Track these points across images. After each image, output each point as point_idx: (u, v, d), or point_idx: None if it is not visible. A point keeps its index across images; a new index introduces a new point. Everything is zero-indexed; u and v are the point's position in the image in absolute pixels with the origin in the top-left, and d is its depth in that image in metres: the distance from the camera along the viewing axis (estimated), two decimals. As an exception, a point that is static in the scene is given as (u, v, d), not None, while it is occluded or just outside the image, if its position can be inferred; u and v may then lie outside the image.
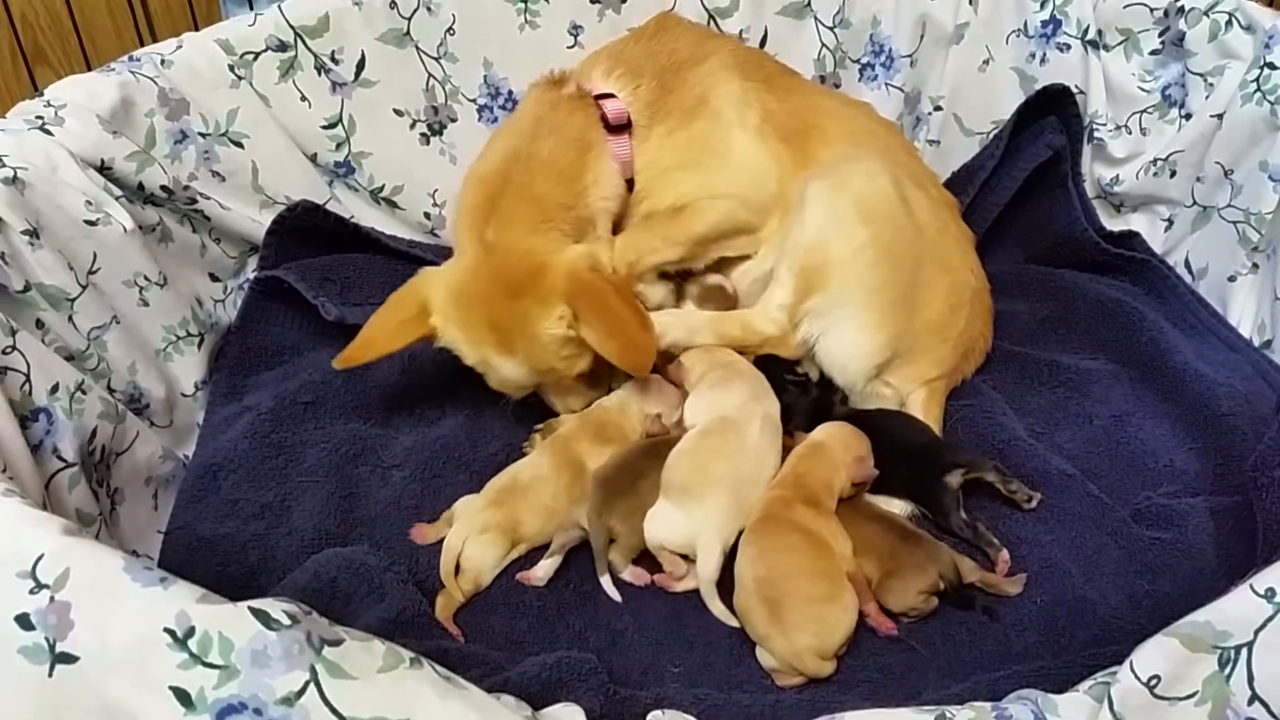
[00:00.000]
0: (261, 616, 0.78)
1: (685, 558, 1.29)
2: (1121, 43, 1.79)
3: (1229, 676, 0.84)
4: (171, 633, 0.76)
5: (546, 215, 1.47)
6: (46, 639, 0.76)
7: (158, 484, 1.43)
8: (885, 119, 1.85)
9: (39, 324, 1.34)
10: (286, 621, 0.78)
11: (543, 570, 1.31)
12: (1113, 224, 1.89)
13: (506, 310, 1.42)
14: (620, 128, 1.57)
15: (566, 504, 1.37)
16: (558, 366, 1.45)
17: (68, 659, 0.76)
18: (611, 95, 1.59)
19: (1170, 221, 1.81)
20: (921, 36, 1.94)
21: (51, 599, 0.77)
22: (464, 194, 1.53)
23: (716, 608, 1.25)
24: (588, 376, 1.50)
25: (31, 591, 0.77)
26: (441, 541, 1.34)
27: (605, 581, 1.30)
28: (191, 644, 0.76)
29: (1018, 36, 1.88)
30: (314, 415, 1.55)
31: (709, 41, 1.71)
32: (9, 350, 1.20)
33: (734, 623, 1.24)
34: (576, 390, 1.53)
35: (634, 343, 1.39)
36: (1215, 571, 1.29)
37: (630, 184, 1.59)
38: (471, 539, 1.32)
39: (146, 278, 1.51)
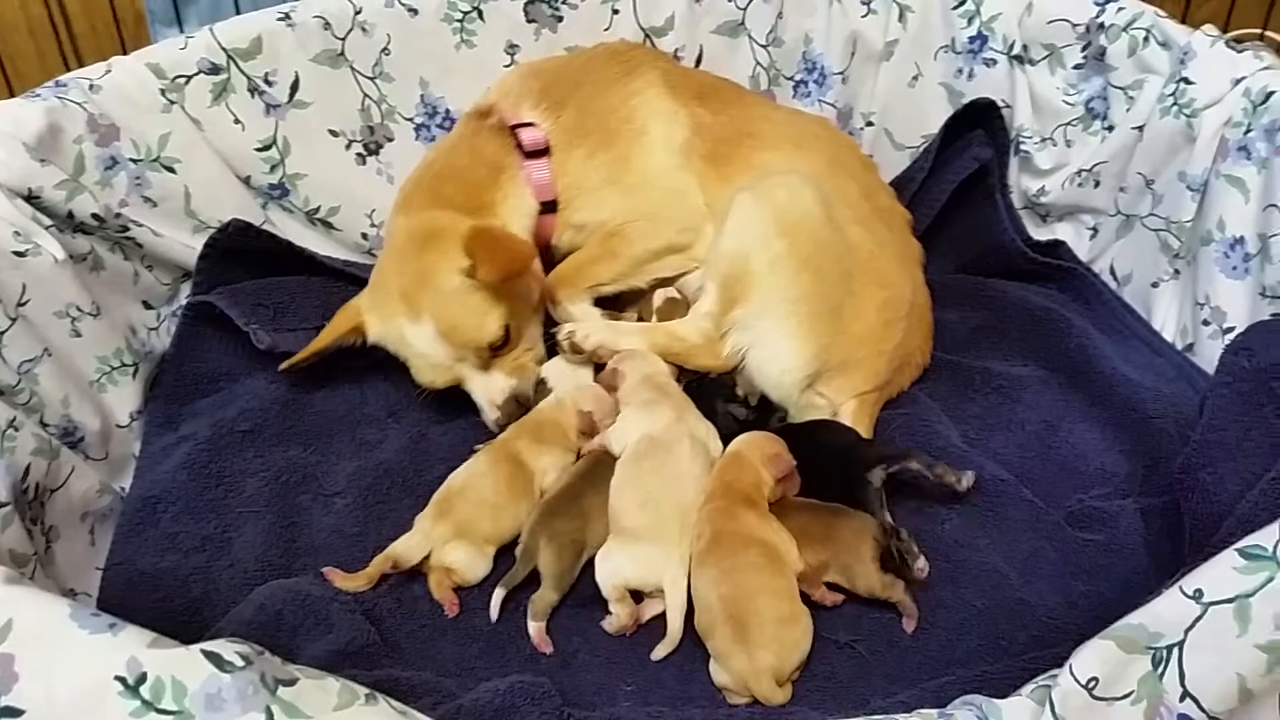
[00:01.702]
0: (214, 659, 0.77)
1: (636, 596, 1.30)
2: (1045, 58, 1.84)
3: (1162, 675, 0.87)
4: (123, 680, 0.75)
5: (450, 206, 1.58)
6: (-10, 693, 0.74)
7: (94, 519, 1.40)
8: (841, 133, 1.90)
9: (-33, 360, 1.31)
10: (240, 663, 0.78)
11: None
12: (1039, 233, 1.94)
13: (412, 270, 1.52)
14: (538, 153, 1.65)
15: (509, 498, 1.39)
16: (465, 326, 1.50)
17: (12, 713, 0.74)
18: (531, 124, 1.67)
19: (1095, 230, 1.87)
20: (852, 54, 1.97)
21: (-6, 651, 0.75)
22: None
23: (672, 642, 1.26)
24: (505, 356, 1.55)
25: (-28, 645, 0.76)
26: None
27: (497, 596, 1.30)
28: (144, 690, 0.75)
29: (945, 53, 1.93)
30: (253, 444, 1.54)
31: (637, 65, 1.76)
32: (-63, 390, 1.17)
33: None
34: (495, 373, 1.55)
35: (518, 258, 1.48)
36: (1146, 571, 1.33)
37: (552, 205, 1.67)
38: (443, 548, 1.33)
39: (79, 308, 1.48)
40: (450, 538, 1.34)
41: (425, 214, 1.58)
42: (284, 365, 1.58)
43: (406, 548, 1.35)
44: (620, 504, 1.32)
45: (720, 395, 1.53)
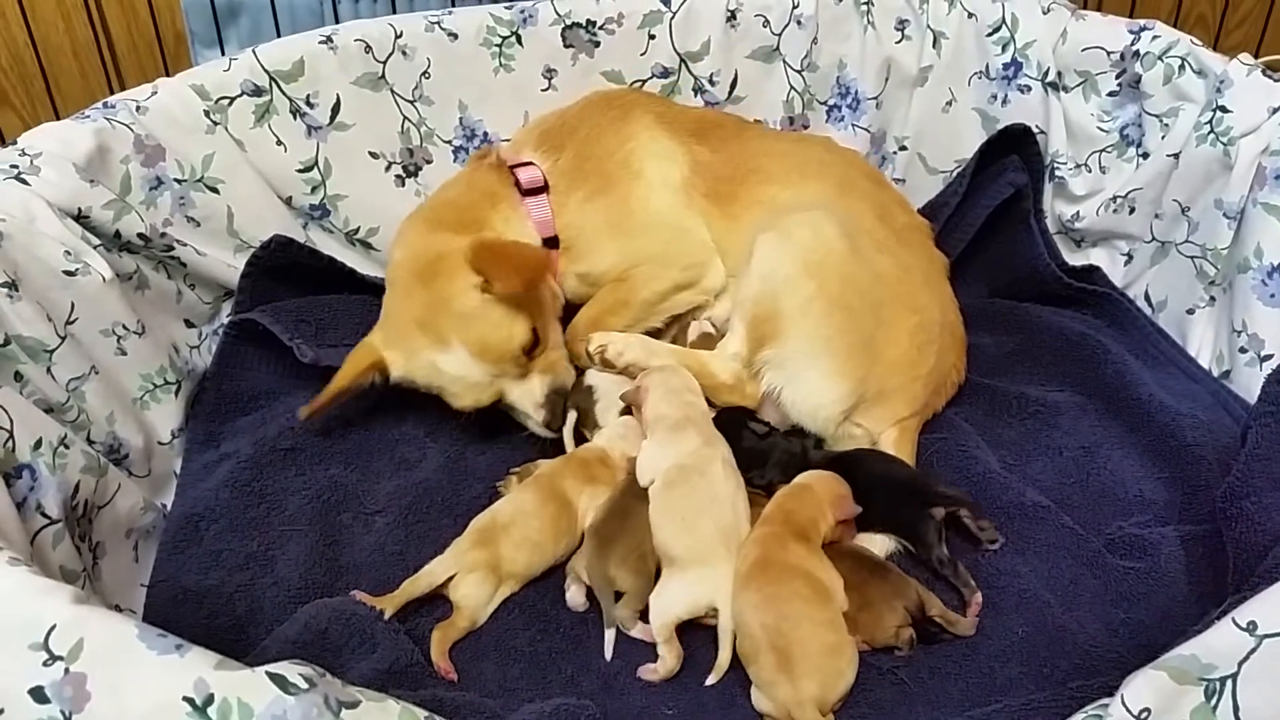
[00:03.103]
0: (279, 681, 0.78)
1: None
2: (1080, 84, 1.85)
3: (1215, 707, 0.87)
4: (190, 701, 0.76)
5: (443, 226, 1.60)
6: (62, 712, 0.75)
7: (138, 536, 1.42)
8: (845, 149, 1.88)
9: (18, 376, 1.33)
10: (304, 685, 0.79)
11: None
12: (1074, 259, 1.95)
13: (425, 301, 1.52)
14: (536, 191, 1.67)
15: (552, 538, 1.39)
16: (494, 340, 1.50)
17: (85, 731, 0.75)
18: (530, 164, 1.69)
19: (1130, 256, 1.87)
20: (886, 79, 1.99)
21: (66, 670, 0.76)
22: None
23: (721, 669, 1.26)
24: (538, 359, 1.55)
25: (45, 664, 0.77)
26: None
27: (609, 636, 1.30)
28: (211, 712, 0.76)
29: (980, 79, 1.94)
30: (294, 462, 1.55)
31: (630, 108, 1.78)
32: (-9, 406, 1.18)
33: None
34: (533, 378, 1.54)
35: (527, 259, 1.51)
36: (1187, 599, 1.32)
37: (552, 242, 1.68)
38: (464, 578, 1.33)
39: (125, 327, 1.50)
40: (479, 568, 1.34)
41: (420, 242, 1.58)
42: (304, 413, 1.54)
43: (433, 570, 1.35)
44: (662, 536, 1.32)
45: (742, 417, 1.53)
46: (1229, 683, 0.87)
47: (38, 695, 0.76)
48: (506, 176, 1.69)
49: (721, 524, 1.33)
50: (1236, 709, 0.86)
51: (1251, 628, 0.88)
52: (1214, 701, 0.87)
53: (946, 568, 1.35)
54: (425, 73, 1.84)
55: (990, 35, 1.91)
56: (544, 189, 1.68)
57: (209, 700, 0.76)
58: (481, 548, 1.36)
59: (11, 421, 1.19)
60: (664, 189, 1.70)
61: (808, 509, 1.33)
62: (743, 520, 1.36)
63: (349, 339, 1.70)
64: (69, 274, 1.41)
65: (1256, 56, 1.68)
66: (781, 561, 1.26)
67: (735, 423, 1.52)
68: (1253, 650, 0.87)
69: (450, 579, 1.33)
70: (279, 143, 1.77)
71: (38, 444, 1.22)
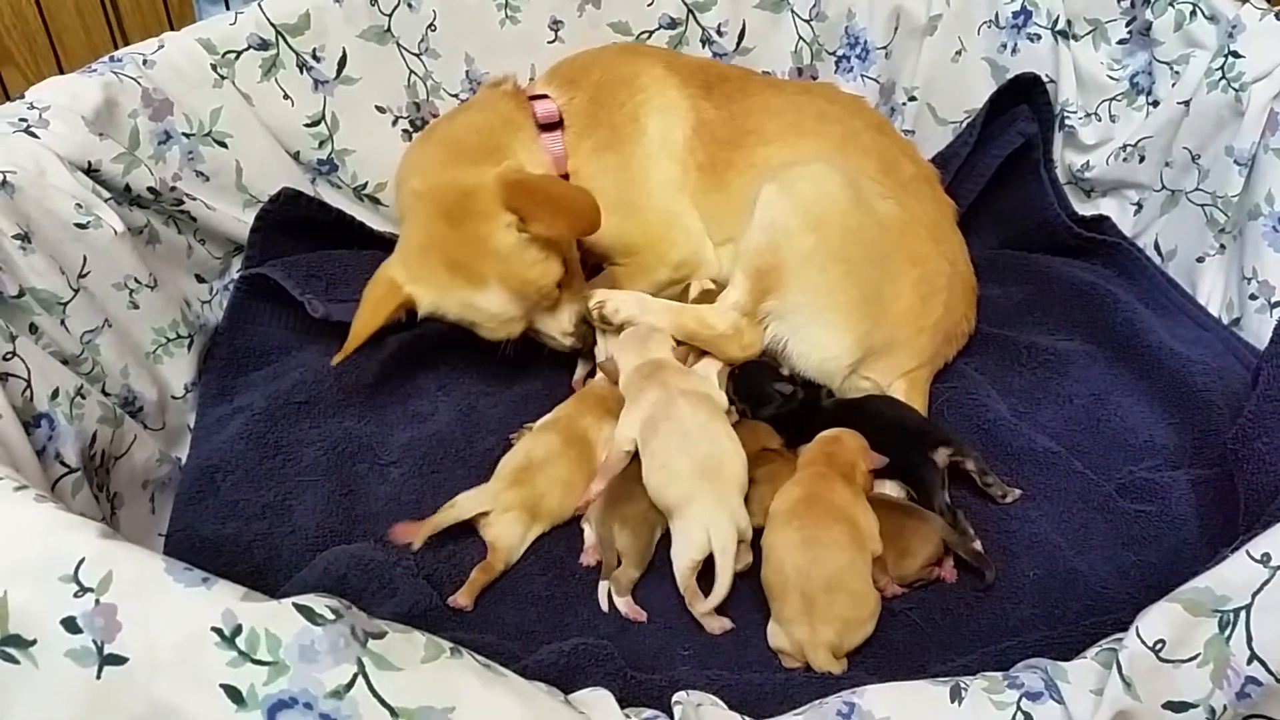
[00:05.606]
0: (306, 612, 0.79)
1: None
2: (1090, 32, 1.84)
3: (1229, 638, 0.87)
4: (219, 631, 0.77)
5: (463, 152, 1.56)
6: (94, 641, 0.76)
7: (154, 487, 1.43)
8: (850, 97, 1.85)
9: (33, 328, 1.34)
10: (331, 616, 0.79)
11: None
12: (1084, 208, 1.94)
13: (457, 243, 1.47)
14: (551, 126, 1.65)
15: (580, 478, 1.40)
16: (532, 278, 1.48)
17: (116, 660, 0.76)
18: (546, 97, 1.68)
19: (1140, 205, 1.87)
20: (895, 29, 1.97)
21: (97, 602, 0.77)
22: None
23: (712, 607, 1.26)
24: (567, 289, 1.55)
25: (76, 595, 0.77)
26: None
27: (602, 587, 1.31)
28: (239, 642, 0.77)
29: (989, 27, 1.92)
30: (308, 414, 1.56)
31: (643, 56, 1.76)
32: (9, 356, 1.19)
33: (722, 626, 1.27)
34: (563, 309, 1.56)
35: (580, 208, 1.46)
36: (1197, 541, 1.33)
37: (565, 180, 1.65)
38: (499, 517, 1.34)
39: (137, 280, 1.50)
40: (514, 507, 1.35)
41: (444, 176, 1.53)
42: (336, 359, 1.50)
43: (468, 499, 1.36)
44: (653, 488, 1.32)
45: (767, 377, 1.53)
46: (1243, 614, 0.88)
47: (70, 625, 0.76)
48: (525, 105, 1.66)
49: (697, 455, 1.32)
50: (1250, 639, 0.87)
51: (1265, 559, 0.89)
52: (1228, 633, 0.88)
53: (947, 515, 1.35)
54: (431, 25, 1.82)
55: (999, -17, 1.89)
56: (559, 125, 1.67)
57: (237, 630, 0.77)
58: (518, 487, 1.37)
59: (29, 371, 1.20)
60: (664, 155, 1.68)
61: (846, 454, 1.34)
62: (723, 441, 1.35)
63: (360, 294, 1.68)
64: (80, 227, 1.41)
65: (1271, 3, 1.66)
66: (828, 501, 1.27)
67: (759, 381, 1.52)
68: (1266, 582, 0.88)
69: (481, 516, 1.35)
70: (286, 97, 1.76)
71: (55, 394, 1.23)
